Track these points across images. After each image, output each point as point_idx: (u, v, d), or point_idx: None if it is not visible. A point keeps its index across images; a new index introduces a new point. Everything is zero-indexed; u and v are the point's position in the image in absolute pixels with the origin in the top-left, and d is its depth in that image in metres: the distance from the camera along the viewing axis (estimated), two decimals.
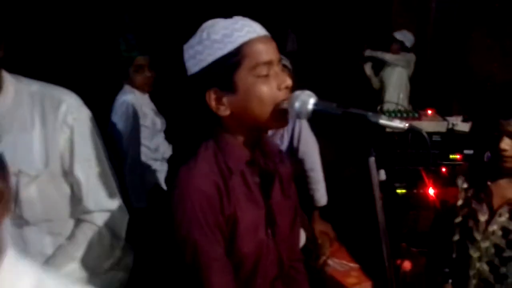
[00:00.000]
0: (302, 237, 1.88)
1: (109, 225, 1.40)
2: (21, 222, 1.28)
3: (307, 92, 1.03)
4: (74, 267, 1.31)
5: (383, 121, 0.97)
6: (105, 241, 1.38)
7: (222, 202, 1.05)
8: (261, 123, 1.06)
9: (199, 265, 1.04)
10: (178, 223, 1.04)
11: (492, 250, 1.58)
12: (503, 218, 1.56)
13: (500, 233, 1.56)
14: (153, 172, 2.38)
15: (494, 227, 1.57)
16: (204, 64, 1.04)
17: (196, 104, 1.09)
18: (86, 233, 1.36)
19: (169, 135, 2.56)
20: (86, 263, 1.34)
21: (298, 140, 2.07)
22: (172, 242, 1.07)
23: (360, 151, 1.02)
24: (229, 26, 1.03)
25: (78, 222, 1.39)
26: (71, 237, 1.36)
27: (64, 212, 1.37)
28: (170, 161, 2.49)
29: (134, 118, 2.27)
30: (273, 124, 1.08)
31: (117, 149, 2.26)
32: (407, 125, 0.96)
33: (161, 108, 2.56)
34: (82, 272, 1.32)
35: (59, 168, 1.31)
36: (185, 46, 1.09)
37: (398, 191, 2.28)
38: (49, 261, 1.29)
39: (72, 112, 1.31)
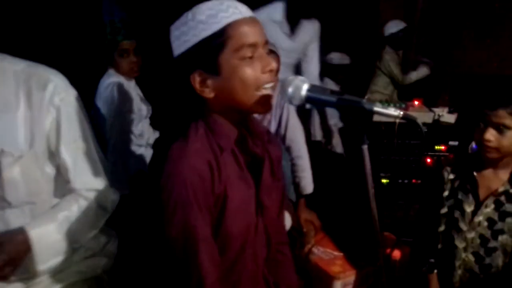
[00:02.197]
0: (288, 219, 1.88)
1: (96, 197, 1.38)
2: (3, 204, 1.25)
3: (301, 78, 1.03)
4: (51, 228, 1.28)
5: (377, 108, 0.97)
6: (90, 209, 1.37)
7: (213, 180, 1.04)
8: (245, 107, 1.05)
9: (187, 242, 1.03)
10: (167, 199, 1.02)
11: (478, 241, 1.60)
12: (488, 209, 1.58)
13: (485, 223, 1.58)
14: (136, 158, 2.34)
15: (480, 218, 1.59)
16: (189, 45, 1.02)
17: (181, 86, 1.07)
18: (70, 201, 1.35)
19: (155, 121, 2.52)
20: (67, 227, 1.31)
21: (286, 127, 2.05)
22: (158, 220, 1.05)
23: (353, 138, 1.01)
24: (215, 6, 1.01)
25: (64, 195, 1.37)
26: (55, 205, 1.35)
27: (47, 194, 1.34)
28: (155, 145, 2.45)
29: (119, 102, 2.22)
30: (257, 109, 1.07)
31: (100, 133, 2.21)
32: (401, 113, 0.96)
33: (147, 94, 2.51)
34: (60, 235, 1.29)
35: (44, 149, 1.29)
36: (172, 27, 1.07)
37: (383, 181, 2.29)
38: (27, 224, 1.26)
39: (59, 92, 1.28)
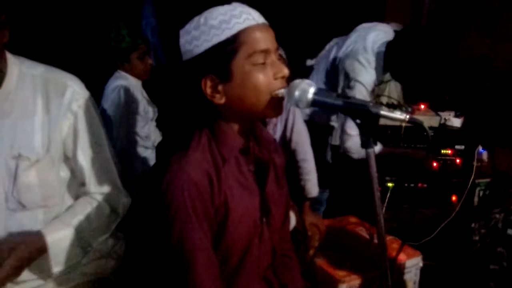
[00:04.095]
0: (292, 219, 1.88)
1: (108, 201, 1.40)
2: (18, 206, 1.26)
3: (307, 81, 1.03)
4: (67, 233, 1.30)
5: (384, 112, 0.96)
6: (103, 214, 1.39)
7: (213, 192, 1.05)
8: (256, 112, 1.06)
9: (184, 254, 1.03)
10: (166, 209, 1.03)
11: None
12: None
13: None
14: (143, 160, 2.35)
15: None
16: (200, 50, 1.02)
17: (191, 91, 1.07)
18: (84, 205, 1.37)
19: (160, 124, 2.53)
20: (81, 231, 1.33)
21: (291, 130, 2.05)
22: (157, 229, 1.06)
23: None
24: (227, 12, 1.01)
25: (78, 197, 1.40)
26: (69, 208, 1.37)
27: (60, 198, 1.36)
28: (158, 147, 2.45)
29: (126, 104, 2.24)
30: (268, 113, 1.07)
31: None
32: (407, 116, 0.96)
33: (152, 97, 2.53)
34: (74, 240, 1.31)
35: (60, 154, 1.31)
36: (182, 31, 1.07)
37: (389, 184, 2.28)
38: (43, 228, 1.28)
39: (77, 99, 1.30)
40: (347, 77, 2.23)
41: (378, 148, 2.28)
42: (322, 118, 2.42)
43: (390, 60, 2.17)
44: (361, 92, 2.18)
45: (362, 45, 2.23)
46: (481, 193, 2.26)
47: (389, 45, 2.17)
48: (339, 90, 2.27)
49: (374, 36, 2.24)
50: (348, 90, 2.22)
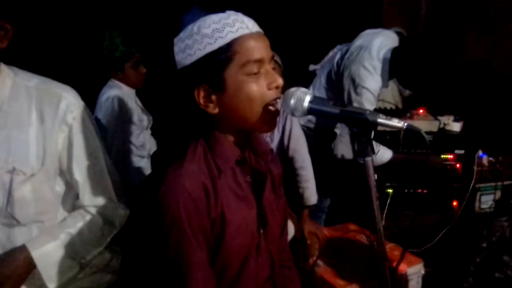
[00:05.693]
0: (291, 228, 1.85)
1: (102, 213, 1.38)
2: (11, 221, 1.24)
3: (303, 89, 1.01)
4: (54, 247, 1.27)
5: (381, 120, 0.95)
6: (95, 226, 1.36)
7: (209, 204, 1.02)
8: (249, 124, 1.03)
9: (179, 268, 1.02)
10: (161, 222, 1.00)
11: None
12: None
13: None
14: (138, 169, 2.33)
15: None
16: (193, 59, 1.00)
17: (184, 100, 1.05)
18: (76, 217, 1.34)
19: (156, 132, 2.51)
20: (71, 244, 1.30)
21: (289, 138, 2.04)
22: (153, 241, 1.04)
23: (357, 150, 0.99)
24: (220, 20, 0.99)
25: (71, 212, 1.37)
26: (61, 221, 1.34)
27: (56, 214, 1.34)
28: (153, 157, 2.43)
29: (120, 113, 2.22)
30: (261, 126, 1.05)
31: None
32: (405, 124, 0.94)
33: (146, 105, 2.51)
34: (65, 253, 1.28)
35: (56, 167, 1.28)
36: (175, 39, 1.05)
37: (389, 190, 2.26)
38: (28, 243, 1.25)
39: (72, 110, 1.28)
40: (353, 83, 2.22)
41: (389, 154, 2.27)
42: (326, 124, 2.40)
43: (397, 67, 2.17)
44: (368, 99, 2.18)
45: (368, 51, 2.22)
46: (482, 198, 2.24)
47: (395, 51, 2.16)
48: (345, 96, 2.25)
49: (380, 42, 2.23)
50: (355, 96, 2.21)
